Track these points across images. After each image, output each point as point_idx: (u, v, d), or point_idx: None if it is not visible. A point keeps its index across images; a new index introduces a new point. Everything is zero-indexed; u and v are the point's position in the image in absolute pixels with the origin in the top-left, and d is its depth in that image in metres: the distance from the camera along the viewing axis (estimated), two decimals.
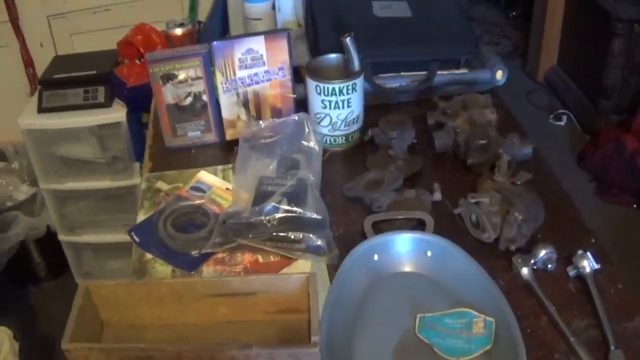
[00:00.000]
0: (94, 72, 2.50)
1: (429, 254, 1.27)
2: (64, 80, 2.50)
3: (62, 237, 2.75)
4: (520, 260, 1.26)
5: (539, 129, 3.74)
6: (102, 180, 2.57)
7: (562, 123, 3.94)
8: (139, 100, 2.29)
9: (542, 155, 1.57)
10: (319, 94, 1.54)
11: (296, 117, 1.51)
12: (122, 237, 2.58)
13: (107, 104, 2.46)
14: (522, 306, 1.20)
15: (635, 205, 3.18)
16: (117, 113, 2.44)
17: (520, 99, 4.13)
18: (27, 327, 2.33)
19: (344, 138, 1.60)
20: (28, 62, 2.91)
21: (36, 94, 2.52)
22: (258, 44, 1.55)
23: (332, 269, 1.27)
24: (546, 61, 4.31)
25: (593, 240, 1.35)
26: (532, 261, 1.26)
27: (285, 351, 1.01)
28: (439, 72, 1.75)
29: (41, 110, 2.48)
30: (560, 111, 3.98)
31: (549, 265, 1.27)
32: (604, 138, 3.37)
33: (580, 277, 1.25)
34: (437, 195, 1.40)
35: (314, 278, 1.11)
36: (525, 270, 1.25)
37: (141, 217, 1.47)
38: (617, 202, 3.26)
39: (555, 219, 1.37)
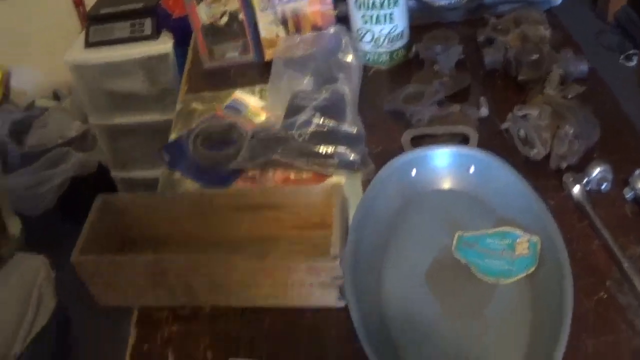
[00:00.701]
0: (141, 5, 2.44)
1: (472, 170, 1.18)
2: (110, 15, 2.45)
3: (114, 173, 2.72)
4: (571, 179, 1.16)
5: (608, 70, 3.57)
6: (151, 114, 2.52)
7: (633, 64, 3.76)
8: (185, 31, 2.22)
9: (599, 75, 1.44)
10: (360, 8, 1.44)
11: (332, 30, 1.42)
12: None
13: (153, 36, 2.40)
14: (572, 229, 1.10)
15: None
16: (164, 45, 2.38)
17: (589, 40, 3.97)
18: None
19: (387, 55, 1.51)
20: (78, 1, 2.87)
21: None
22: None
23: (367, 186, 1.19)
24: (616, 1, 4.12)
25: None
26: (585, 180, 1.16)
27: (303, 264, 0.94)
28: None
29: (88, 45, 2.44)
30: (630, 52, 3.80)
31: (603, 186, 1.16)
32: None
33: (638, 201, 1.14)
34: (484, 111, 1.30)
35: (339, 188, 1.03)
36: (576, 190, 1.15)
37: (173, 137, 1.41)
38: None
39: (612, 138, 1.25)
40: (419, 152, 1.19)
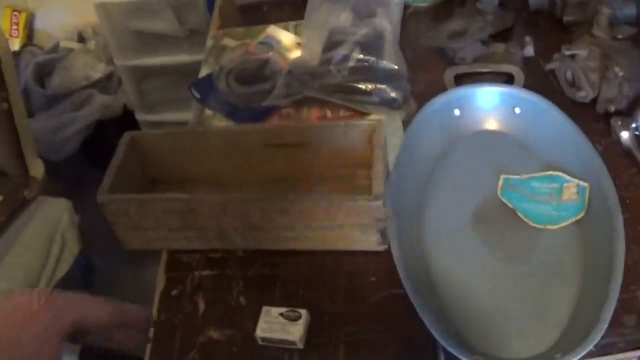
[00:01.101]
0: None
1: (518, 110, 1.12)
2: None
3: (139, 116, 2.66)
4: (620, 123, 1.10)
5: None
6: (179, 55, 2.45)
7: None
8: None
9: None
10: None
11: None
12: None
13: None
14: (621, 175, 1.04)
15: None
16: None
17: None
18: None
19: None
20: None
21: None
22: None
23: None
24: None
25: None
26: (634, 125, 1.10)
27: (345, 204, 0.88)
28: None
29: None
30: None
31: None
32: None
33: None
34: (529, 50, 1.24)
35: (381, 125, 0.97)
36: (625, 135, 1.09)
37: (204, 73, 1.36)
38: None
39: None
40: (462, 90, 1.13)
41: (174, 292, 0.97)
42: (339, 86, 1.16)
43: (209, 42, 1.47)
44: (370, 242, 0.93)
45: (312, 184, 1.03)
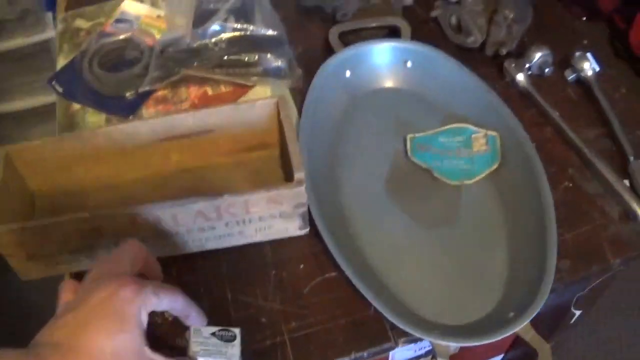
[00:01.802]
0: None
1: (409, 64, 1.08)
2: None
3: None
4: (514, 65, 1.09)
5: None
6: (13, 39, 2.27)
7: None
8: None
9: None
10: None
11: None
12: (43, 99, 2.35)
13: None
14: (521, 117, 1.01)
15: (584, 18, 3.01)
16: None
17: None
18: None
19: None
20: None
21: None
22: None
23: (297, 93, 1.07)
24: None
25: (585, 42, 1.17)
26: (527, 66, 1.09)
27: (264, 194, 0.81)
28: None
29: None
30: None
31: (546, 70, 1.09)
32: None
33: (580, 82, 1.09)
34: (408, 0, 1.18)
35: (285, 102, 0.90)
36: (520, 76, 1.08)
37: (61, 62, 1.23)
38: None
39: (539, 19, 1.17)
40: (351, 50, 1.08)
41: None
42: (219, 61, 1.08)
43: (59, 27, 1.34)
44: (291, 228, 0.87)
45: (213, 172, 0.95)
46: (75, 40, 1.27)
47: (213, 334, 0.77)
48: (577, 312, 0.86)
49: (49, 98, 2.30)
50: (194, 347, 0.76)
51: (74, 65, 1.19)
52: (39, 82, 2.37)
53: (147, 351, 0.66)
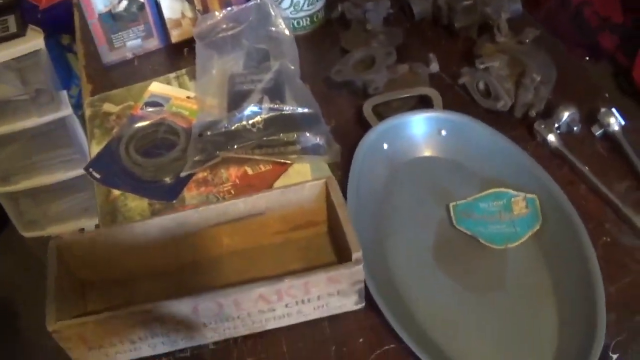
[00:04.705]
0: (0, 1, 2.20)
1: (444, 133, 1.11)
2: None
3: None
4: (543, 127, 1.11)
5: None
6: (28, 118, 2.30)
7: None
8: (56, 21, 2.04)
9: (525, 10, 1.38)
10: None
11: (258, 1, 1.28)
12: (61, 175, 2.37)
13: (20, 32, 2.16)
14: (554, 176, 1.03)
15: (587, 58, 3.05)
16: (34, 41, 2.15)
17: None
18: None
19: (308, 19, 1.39)
20: None
21: None
22: None
23: (335, 168, 1.09)
24: None
25: (607, 95, 1.20)
26: (556, 125, 1.11)
27: (323, 275, 0.83)
28: None
29: None
30: None
31: (575, 128, 1.12)
32: None
33: (607, 136, 1.11)
34: (435, 67, 1.21)
35: (334, 182, 0.93)
36: (551, 137, 1.10)
37: (95, 148, 1.25)
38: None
39: (563, 78, 1.19)
40: (388, 123, 1.10)
41: None
42: (258, 142, 1.10)
43: (87, 112, 1.36)
44: (347, 304, 0.89)
45: (266, 254, 0.97)
46: (106, 124, 1.30)
47: None
48: (615, 357, 0.87)
49: (67, 174, 2.33)
50: None
51: (111, 150, 1.21)
52: (56, 158, 2.39)
53: None
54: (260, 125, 1.11)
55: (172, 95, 1.30)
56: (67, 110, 2.28)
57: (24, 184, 2.47)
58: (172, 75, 1.37)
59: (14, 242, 2.42)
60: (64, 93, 2.27)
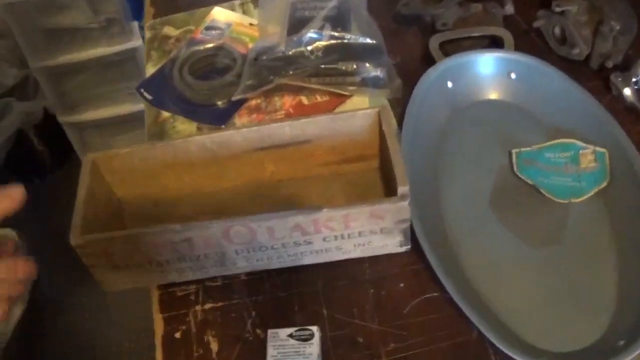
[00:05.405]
0: None
1: (513, 76, 1.04)
2: None
3: (62, 118, 2.47)
4: (620, 79, 1.03)
5: None
6: (97, 47, 2.28)
7: None
8: None
9: None
10: None
11: None
12: (128, 107, 2.35)
13: None
14: (628, 133, 0.95)
15: None
16: None
17: None
18: (36, 223, 2.10)
19: None
20: None
21: None
22: None
23: (395, 104, 1.03)
24: None
25: None
26: (634, 80, 1.02)
27: (365, 209, 0.77)
28: None
29: None
30: None
31: None
32: None
33: None
34: (510, 8, 1.14)
35: (388, 112, 0.86)
36: (627, 91, 1.02)
37: (150, 70, 1.22)
38: None
39: None
40: (453, 60, 1.04)
41: (178, 335, 0.84)
42: (316, 69, 1.04)
43: (147, 34, 1.33)
44: (391, 245, 0.83)
45: (312, 186, 0.92)
46: (163, 47, 1.26)
47: (290, 335, 0.74)
48: None
49: (134, 107, 2.31)
50: (271, 351, 0.73)
51: (164, 72, 1.17)
52: (124, 90, 2.38)
53: None
54: (320, 53, 1.06)
55: (234, 22, 1.26)
56: (137, 42, 2.26)
57: (91, 115, 2.46)
58: (237, 2, 1.32)
59: (78, 173, 2.42)
60: (135, 24, 2.25)
